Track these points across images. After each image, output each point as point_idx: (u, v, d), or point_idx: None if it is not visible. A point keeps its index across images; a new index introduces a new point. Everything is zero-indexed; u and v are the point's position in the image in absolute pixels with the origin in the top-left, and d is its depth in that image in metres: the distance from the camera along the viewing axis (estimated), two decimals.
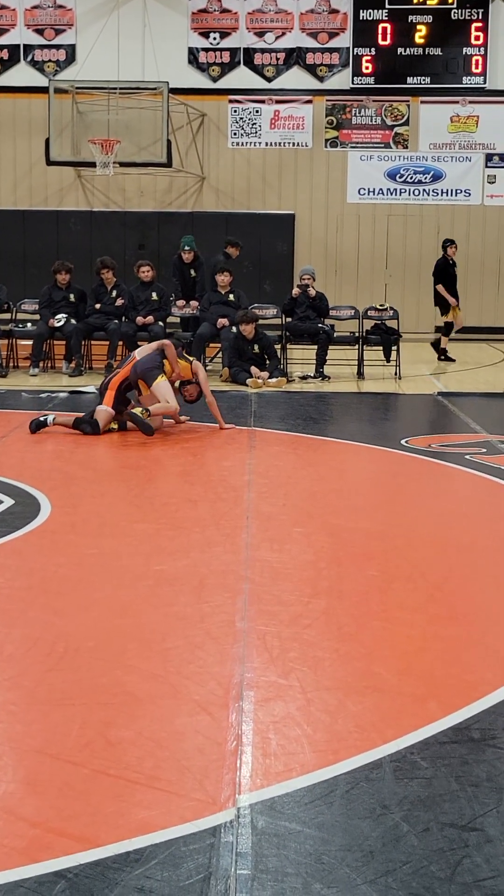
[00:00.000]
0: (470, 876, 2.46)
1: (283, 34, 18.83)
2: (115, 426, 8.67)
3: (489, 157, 19.00)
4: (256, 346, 12.04)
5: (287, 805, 2.78)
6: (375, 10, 18.49)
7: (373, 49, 18.62)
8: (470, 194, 19.09)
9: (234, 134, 19.08)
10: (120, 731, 3.21)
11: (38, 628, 4.09)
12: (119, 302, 12.91)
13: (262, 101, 18.95)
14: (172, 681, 3.58)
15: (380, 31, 18.53)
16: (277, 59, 18.89)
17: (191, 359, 9.29)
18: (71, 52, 18.96)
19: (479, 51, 18.57)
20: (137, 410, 8.47)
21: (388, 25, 18.50)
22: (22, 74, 19.05)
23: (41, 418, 8.59)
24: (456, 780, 2.91)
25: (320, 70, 18.90)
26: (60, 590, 4.63)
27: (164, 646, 3.91)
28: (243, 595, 4.50)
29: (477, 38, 18.53)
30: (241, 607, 4.34)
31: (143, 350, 9.11)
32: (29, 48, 19.04)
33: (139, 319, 12.67)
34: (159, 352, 8.88)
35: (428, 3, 18.43)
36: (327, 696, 3.47)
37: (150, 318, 12.68)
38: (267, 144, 19.08)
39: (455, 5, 18.43)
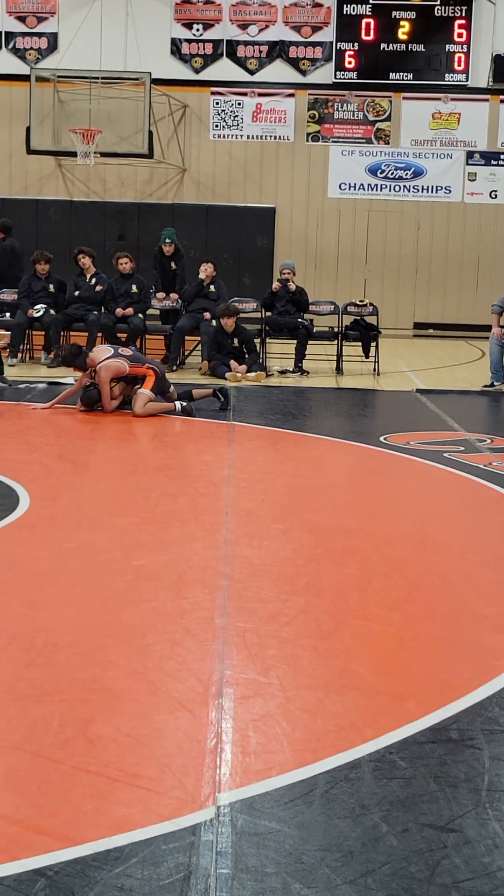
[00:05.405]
0: (449, 877, 2.47)
1: (267, 27, 18.80)
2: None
3: (470, 155, 19.05)
4: (236, 340, 12.04)
5: (266, 804, 2.79)
6: (359, 5, 18.50)
7: (356, 44, 18.62)
8: (450, 191, 19.14)
9: (216, 126, 19.04)
10: (99, 727, 3.20)
11: (16, 623, 4.07)
12: (98, 288, 12.84)
13: (245, 94, 18.92)
14: (152, 677, 3.58)
15: (363, 26, 18.54)
16: (260, 51, 18.86)
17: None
18: (53, 40, 18.86)
19: (462, 48, 18.61)
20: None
21: (371, 21, 18.52)
22: (3, 62, 18.95)
23: None
24: (434, 781, 2.92)
25: (303, 64, 18.89)
26: (39, 584, 4.62)
27: (144, 642, 3.90)
28: (222, 591, 4.50)
29: (460, 35, 18.56)
30: (221, 604, 4.34)
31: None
32: (10, 35, 18.93)
33: (118, 311, 12.63)
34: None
35: None
36: (306, 695, 3.48)
37: (129, 311, 12.64)
38: (249, 137, 19.06)
39: (439, 2, 18.47)
